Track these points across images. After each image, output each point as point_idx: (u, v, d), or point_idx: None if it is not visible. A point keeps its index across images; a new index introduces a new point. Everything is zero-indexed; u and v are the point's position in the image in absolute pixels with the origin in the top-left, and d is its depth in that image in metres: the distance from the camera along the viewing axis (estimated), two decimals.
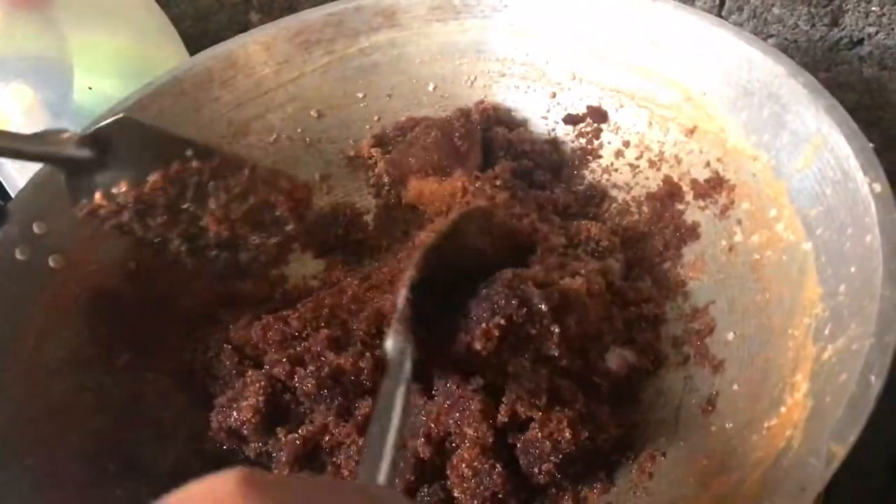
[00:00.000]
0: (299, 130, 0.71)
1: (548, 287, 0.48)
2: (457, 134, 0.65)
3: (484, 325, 0.45)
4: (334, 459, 0.52)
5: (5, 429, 0.49)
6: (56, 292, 0.57)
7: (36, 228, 0.58)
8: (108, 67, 0.83)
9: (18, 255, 0.56)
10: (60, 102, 0.78)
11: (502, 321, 0.46)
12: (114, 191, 0.56)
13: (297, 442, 0.52)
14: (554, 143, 0.68)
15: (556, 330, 0.46)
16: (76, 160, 0.55)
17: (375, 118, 0.72)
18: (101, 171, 0.56)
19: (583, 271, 0.53)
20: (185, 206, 0.58)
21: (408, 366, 0.41)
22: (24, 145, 0.53)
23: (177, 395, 0.58)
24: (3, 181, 0.74)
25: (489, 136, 0.67)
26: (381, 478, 0.34)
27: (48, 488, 0.47)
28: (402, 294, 0.44)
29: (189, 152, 0.57)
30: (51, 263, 0.58)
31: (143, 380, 0.58)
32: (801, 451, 0.39)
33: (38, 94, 0.75)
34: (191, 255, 0.59)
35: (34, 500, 0.46)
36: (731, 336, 0.53)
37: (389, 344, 0.42)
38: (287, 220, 0.60)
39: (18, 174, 0.72)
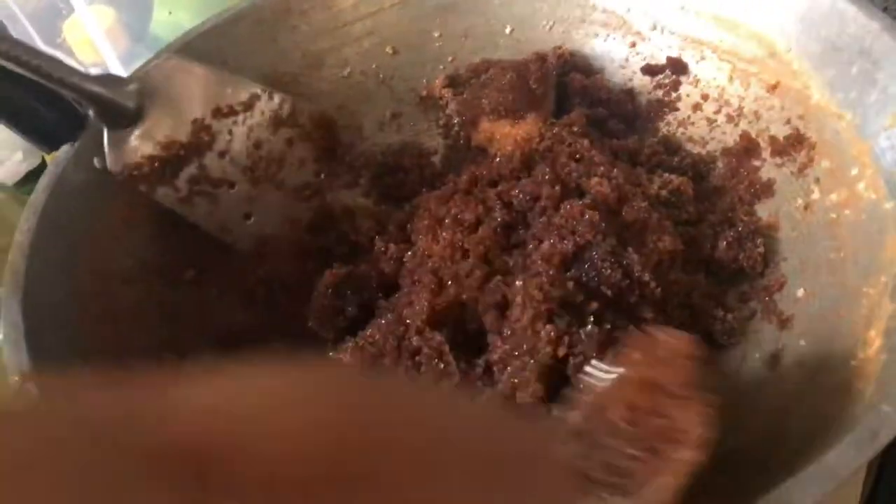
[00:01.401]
0: (373, 66, 0.71)
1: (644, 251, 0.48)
2: (532, 77, 0.64)
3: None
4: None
5: (76, 328, 0.50)
6: (127, 203, 0.58)
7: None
8: None
9: (96, 164, 0.57)
10: (140, 26, 0.80)
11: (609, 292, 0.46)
12: (150, 147, 0.56)
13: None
14: (630, 93, 0.67)
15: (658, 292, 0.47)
16: (122, 109, 0.55)
17: (449, 58, 0.71)
18: (139, 124, 0.56)
19: (670, 230, 0.53)
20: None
21: None
22: (82, 81, 0.54)
23: (240, 312, 0.59)
24: None
25: (564, 82, 0.67)
26: None
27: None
28: None
29: (229, 90, 0.58)
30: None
31: (208, 296, 0.59)
32: (872, 400, 0.38)
33: (120, 15, 0.77)
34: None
35: None
36: (801, 293, 0.52)
37: None
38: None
39: None
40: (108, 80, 0.55)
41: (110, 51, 0.72)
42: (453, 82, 0.71)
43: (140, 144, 0.56)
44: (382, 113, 0.71)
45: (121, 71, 0.74)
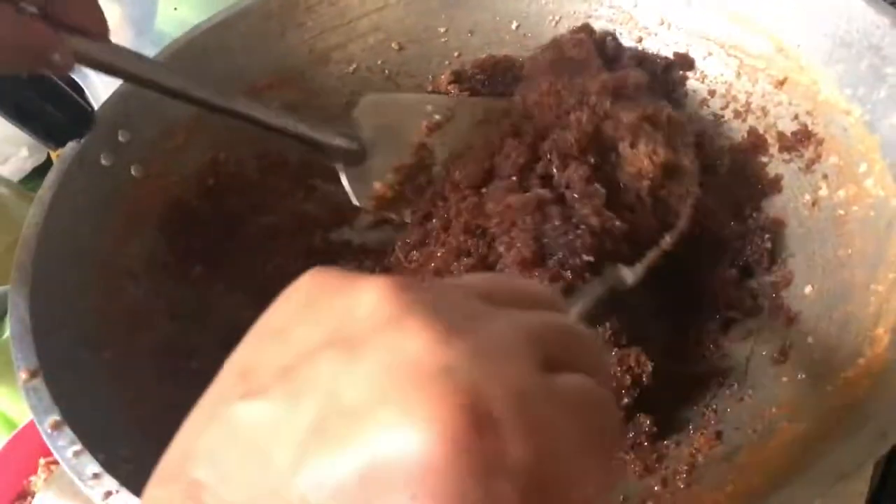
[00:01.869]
0: (379, 62, 0.71)
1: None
2: (568, 46, 0.64)
3: None
4: None
5: (83, 324, 0.51)
6: (136, 200, 0.59)
7: (121, 136, 0.59)
8: None
9: (103, 161, 0.57)
10: (145, 22, 0.79)
11: None
12: (388, 176, 0.60)
13: None
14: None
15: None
16: (350, 152, 0.59)
17: (455, 54, 0.71)
18: (368, 159, 0.60)
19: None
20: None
21: None
22: (321, 136, 0.59)
23: (246, 310, 0.59)
24: (87, 91, 0.76)
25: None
26: None
27: (127, 378, 0.49)
28: None
29: (429, 107, 0.62)
30: (132, 172, 0.59)
31: (214, 292, 0.60)
32: (882, 398, 0.38)
33: (124, 10, 0.76)
34: None
35: (115, 386, 0.48)
36: (808, 289, 0.52)
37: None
38: None
39: (103, 85, 0.73)
40: (334, 128, 0.60)
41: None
42: (459, 78, 0.70)
43: (376, 177, 0.60)
44: None
45: None
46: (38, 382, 0.44)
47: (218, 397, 0.23)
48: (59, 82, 0.57)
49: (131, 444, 0.43)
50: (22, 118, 0.57)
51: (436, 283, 0.24)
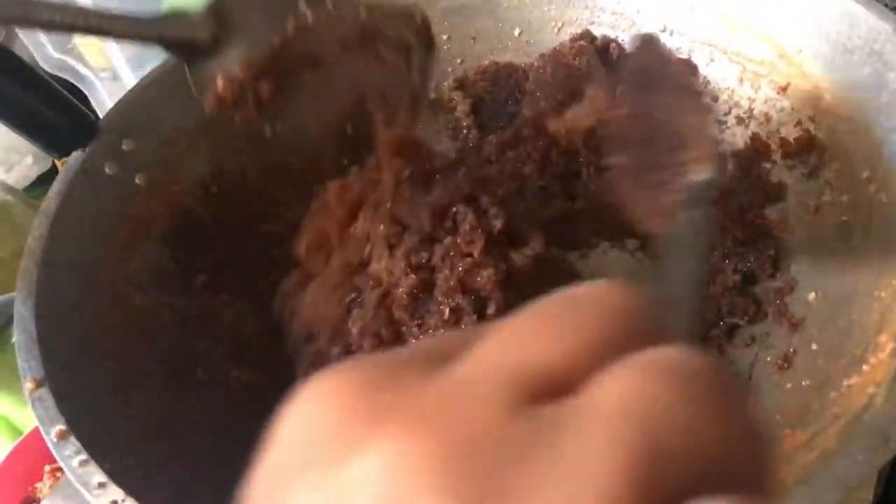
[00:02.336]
0: None
1: None
2: (569, 56, 0.63)
3: None
4: None
5: (88, 334, 0.51)
6: (140, 209, 0.59)
7: (125, 146, 0.59)
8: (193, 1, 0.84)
9: (107, 170, 0.57)
10: None
11: None
12: (235, 69, 0.51)
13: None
14: None
15: None
16: (196, 43, 0.51)
17: (458, 61, 0.71)
18: (219, 53, 0.51)
19: None
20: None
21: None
22: (145, 29, 0.50)
23: (250, 318, 0.59)
24: (91, 99, 0.76)
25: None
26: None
27: (131, 387, 0.49)
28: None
29: (301, 4, 0.52)
30: (137, 181, 0.59)
31: (219, 301, 0.60)
32: (886, 405, 0.38)
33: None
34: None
35: (120, 395, 0.48)
36: (812, 296, 0.52)
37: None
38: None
39: (107, 93, 0.73)
40: (175, 20, 0.51)
41: (120, 55, 0.73)
42: (462, 85, 0.71)
43: (219, 73, 0.52)
44: None
45: (130, 75, 0.74)
46: (44, 392, 0.44)
47: None
48: (62, 90, 0.58)
49: (137, 453, 0.44)
50: (25, 127, 0.57)
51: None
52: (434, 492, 0.15)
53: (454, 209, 0.51)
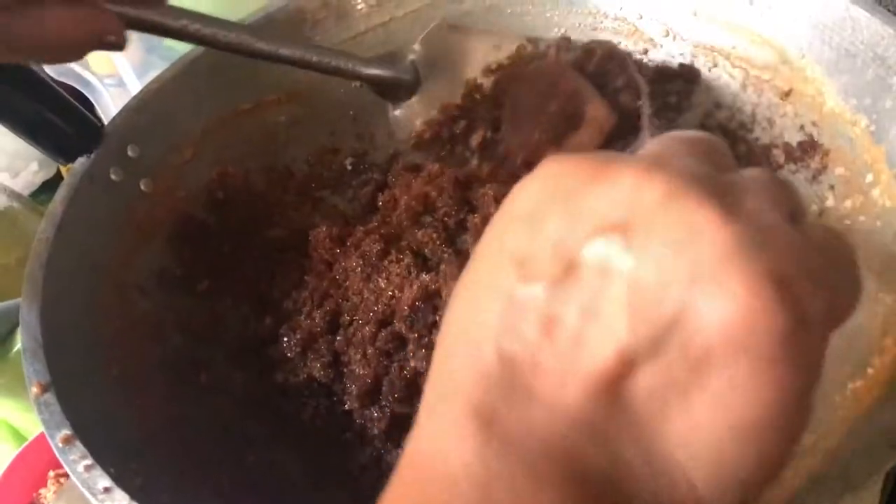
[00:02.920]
0: None
1: None
2: (550, 78, 0.60)
3: None
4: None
5: (94, 339, 0.51)
6: (145, 215, 0.59)
7: (130, 151, 0.59)
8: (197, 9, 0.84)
9: (113, 176, 0.58)
10: (153, 37, 0.80)
11: None
12: (433, 112, 0.56)
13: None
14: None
15: None
16: (401, 84, 0.56)
17: None
18: (416, 96, 0.57)
19: None
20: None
21: None
22: (361, 67, 0.55)
23: (253, 323, 0.60)
24: (96, 105, 0.76)
25: None
26: None
27: (136, 392, 0.49)
28: None
29: (494, 42, 0.57)
30: (142, 187, 0.59)
31: (223, 306, 0.60)
32: (891, 408, 0.38)
33: None
34: None
35: (125, 400, 0.48)
36: None
37: None
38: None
39: (112, 98, 0.74)
40: (382, 59, 0.56)
41: (125, 62, 0.73)
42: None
43: (419, 112, 0.57)
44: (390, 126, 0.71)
45: (135, 81, 0.74)
46: (50, 397, 0.44)
47: (490, 285, 0.24)
48: (68, 96, 0.58)
49: (141, 458, 0.44)
50: (31, 133, 0.57)
51: (675, 157, 0.24)
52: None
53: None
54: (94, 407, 0.46)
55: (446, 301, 0.50)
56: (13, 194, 0.77)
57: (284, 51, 0.53)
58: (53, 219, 0.53)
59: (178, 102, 0.63)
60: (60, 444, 0.42)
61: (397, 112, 0.57)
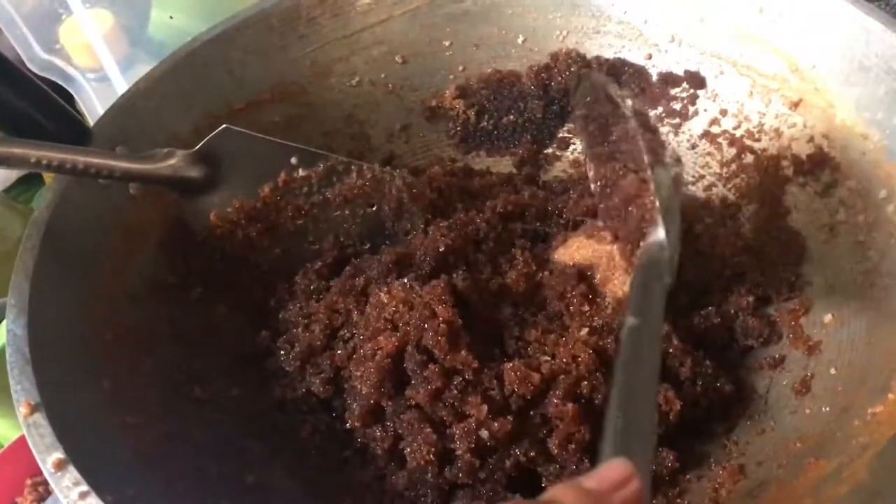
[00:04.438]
0: (382, 76, 0.69)
1: None
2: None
3: None
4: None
5: (85, 350, 0.49)
6: (135, 219, 0.57)
7: (118, 152, 0.56)
8: (186, 2, 0.81)
9: (100, 180, 0.55)
10: (138, 30, 0.77)
11: None
12: (228, 210, 0.58)
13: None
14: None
15: None
16: (189, 180, 0.56)
17: (460, 68, 0.70)
18: (215, 190, 0.58)
19: None
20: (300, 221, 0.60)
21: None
22: (137, 165, 0.54)
23: (249, 333, 0.57)
24: (79, 101, 0.73)
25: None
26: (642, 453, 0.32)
27: (129, 408, 0.47)
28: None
29: (294, 160, 0.59)
30: (130, 191, 0.57)
31: (216, 314, 0.58)
32: None
33: (118, 18, 0.74)
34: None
35: (118, 418, 0.46)
36: (828, 318, 0.51)
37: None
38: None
39: (97, 96, 0.71)
40: (169, 158, 0.55)
41: (109, 56, 0.70)
42: (464, 93, 0.69)
43: (212, 210, 0.58)
44: (391, 123, 0.70)
45: (119, 76, 0.72)
46: (40, 417, 0.41)
47: None
48: (55, 95, 0.55)
49: (137, 481, 0.42)
50: (16, 132, 0.54)
51: None
52: None
53: None
54: (87, 426, 0.44)
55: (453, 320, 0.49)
56: None
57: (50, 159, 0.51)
58: (39, 226, 0.51)
59: (167, 102, 0.60)
60: (52, 470, 0.39)
61: (189, 203, 0.58)
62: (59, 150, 0.51)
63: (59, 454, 0.40)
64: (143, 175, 0.54)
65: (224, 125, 0.57)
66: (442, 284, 0.50)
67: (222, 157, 0.57)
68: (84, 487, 0.39)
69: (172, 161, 0.55)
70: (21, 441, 0.73)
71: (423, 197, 0.60)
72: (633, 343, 0.38)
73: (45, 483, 0.73)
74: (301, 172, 0.59)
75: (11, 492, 0.73)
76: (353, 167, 0.61)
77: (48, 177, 0.87)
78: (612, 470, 0.29)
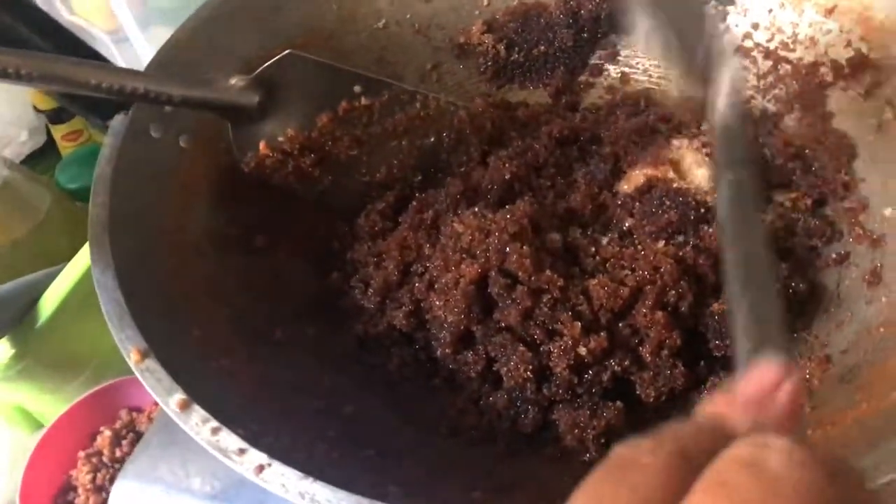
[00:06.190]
0: (408, 16, 0.69)
1: None
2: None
3: None
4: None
5: (170, 300, 0.48)
6: (188, 171, 0.56)
7: (166, 107, 0.56)
8: None
9: (153, 133, 0.54)
10: None
11: None
12: (280, 138, 0.56)
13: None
14: None
15: None
16: (242, 108, 0.54)
17: (485, 3, 0.70)
18: (267, 119, 0.55)
19: None
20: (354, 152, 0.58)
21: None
22: (190, 91, 0.52)
23: (315, 276, 0.58)
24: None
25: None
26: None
27: (219, 354, 0.47)
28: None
29: (357, 88, 0.58)
30: (181, 143, 0.56)
31: (280, 261, 0.57)
32: None
33: None
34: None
35: (213, 366, 0.46)
36: (888, 211, 0.53)
37: None
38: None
39: (120, 56, 0.70)
40: (222, 83, 0.54)
41: (128, 15, 0.68)
42: (491, 27, 0.69)
43: (263, 139, 0.56)
44: (422, 64, 0.69)
45: (139, 35, 0.70)
46: (152, 363, 0.41)
47: None
48: (100, 53, 0.54)
49: (254, 419, 0.42)
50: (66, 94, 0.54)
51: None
52: None
53: None
54: (191, 370, 0.44)
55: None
56: (13, 165, 0.72)
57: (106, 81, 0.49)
58: (104, 181, 0.50)
59: (209, 51, 0.59)
60: (177, 409, 0.39)
61: (238, 133, 0.56)
62: (119, 74, 0.49)
63: (180, 395, 0.40)
64: (201, 101, 0.53)
65: (288, 50, 0.56)
66: (520, 209, 0.50)
67: (281, 83, 0.55)
68: (215, 423, 0.39)
69: (230, 85, 0.54)
70: (68, 416, 0.73)
71: (483, 128, 0.60)
72: (735, 203, 0.35)
73: (99, 454, 0.73)
74: (364, 101, 0.58)
75: (65, 466, 0.72)
76: (417, 97, 0.60)
77: (64, 146, 0.85)
78: (763, 372, 0.27)
